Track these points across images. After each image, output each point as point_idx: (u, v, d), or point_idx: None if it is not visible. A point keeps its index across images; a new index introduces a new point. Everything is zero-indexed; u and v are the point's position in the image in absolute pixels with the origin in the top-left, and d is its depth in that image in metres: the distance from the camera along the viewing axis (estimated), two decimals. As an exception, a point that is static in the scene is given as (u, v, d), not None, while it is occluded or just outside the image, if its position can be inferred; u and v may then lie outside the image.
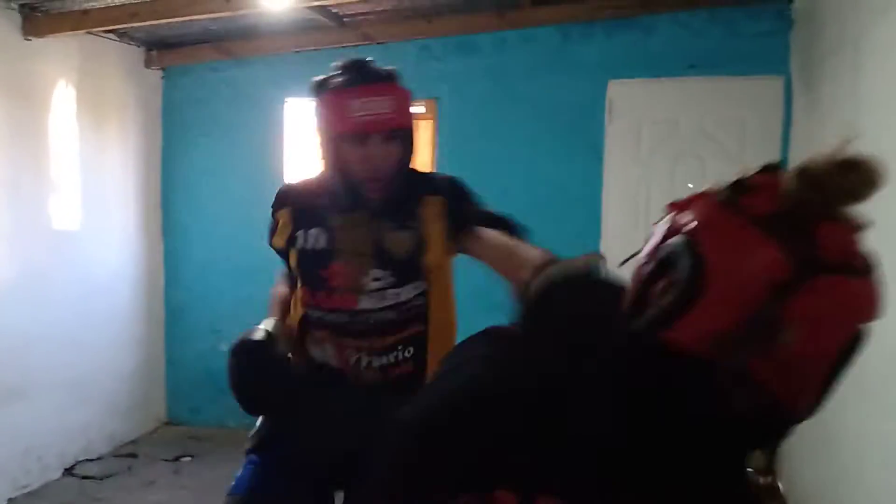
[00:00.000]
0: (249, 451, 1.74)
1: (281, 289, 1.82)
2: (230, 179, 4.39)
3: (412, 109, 1.71)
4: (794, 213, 0.75)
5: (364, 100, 1.57)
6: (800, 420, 0.79)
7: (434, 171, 1.97)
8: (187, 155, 4.48)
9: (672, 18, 3.86)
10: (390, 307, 1.65)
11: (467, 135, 4.15)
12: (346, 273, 1.65)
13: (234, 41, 4.20)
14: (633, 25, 3.90)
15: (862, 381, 2.53)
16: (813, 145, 3.32)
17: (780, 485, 3.65)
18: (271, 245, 1.81)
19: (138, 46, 4.29)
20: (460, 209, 1.69)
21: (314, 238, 1.70)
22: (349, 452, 1.47)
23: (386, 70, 1.66)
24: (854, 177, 0.74)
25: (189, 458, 4.02)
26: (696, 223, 0.78)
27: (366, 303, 1.64)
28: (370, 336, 1.65)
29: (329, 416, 1.65)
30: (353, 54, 4.33)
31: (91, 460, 3.92)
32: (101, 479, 3.70)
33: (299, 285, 1.73)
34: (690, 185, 3.95)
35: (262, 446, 1.72)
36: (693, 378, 0.77)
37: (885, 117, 2.39)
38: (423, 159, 4.23)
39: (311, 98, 1.70)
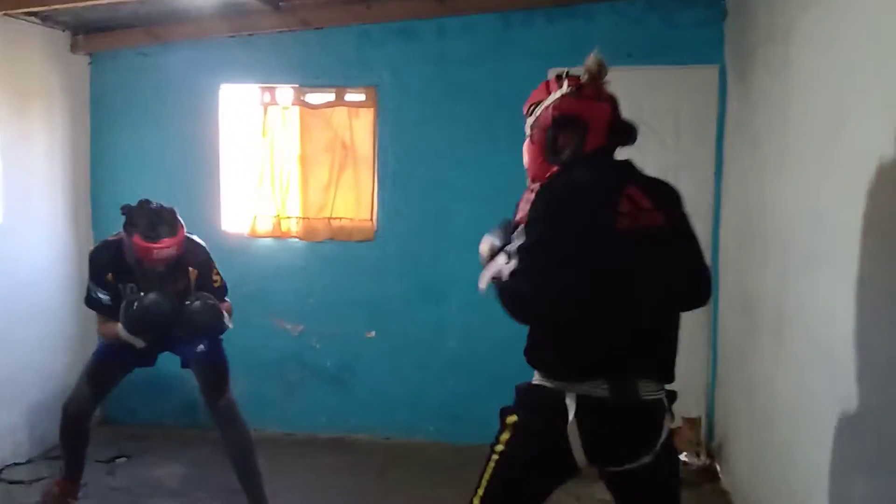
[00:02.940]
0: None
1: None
2: (163, 169, 4.23)
3: (186, 240, 2.96)
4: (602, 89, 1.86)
5: (158, 250, 2.83)
6: None
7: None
8: (118, 144, 4.30)
9: (611, 7, 3.89)
10: None
11: (408, 123, 4.11)
12: None
13: (165, 25, 4.05)
14: (574, 14, 3.91)
15: (788, 360, 2.61)
16: (746, 133, 3.39)
17: (717, 467, 3.75)
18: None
19: (63, 30, 4.09)
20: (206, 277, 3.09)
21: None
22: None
23: (170, 217, 2.90)
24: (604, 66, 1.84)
25: (124, 459, 3.88)
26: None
27: None
28: None
29: None
30: (290, 40, 4.25)
31: (20, 464, 3.75)
32: (31, 483, 3.54)
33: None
34: (630, 173, 4.00)
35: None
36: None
37: (816, 105, 2.45)
38: (364, 149, 4.17)
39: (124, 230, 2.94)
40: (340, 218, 4.22)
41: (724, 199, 3.81)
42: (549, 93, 1.87)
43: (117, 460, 3.86)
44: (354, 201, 4.21)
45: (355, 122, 4.15)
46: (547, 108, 1.84)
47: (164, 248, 2.84)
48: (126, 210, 2.93)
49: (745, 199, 3.37)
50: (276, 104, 4.19)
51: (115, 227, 4.30)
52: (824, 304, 2.28)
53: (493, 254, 1.88)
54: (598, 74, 1.83)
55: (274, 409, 4.29)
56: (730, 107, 3.75)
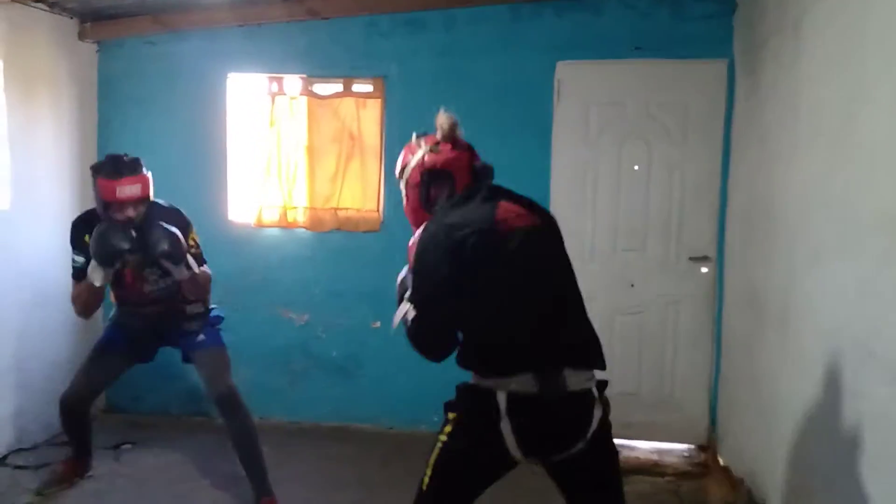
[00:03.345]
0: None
1: None
2: (171, 157, 4.22)
3: (150, 182, 2.98)
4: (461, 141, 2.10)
5: (121, 186, 2.85)
6: None
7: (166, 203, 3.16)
8: (125, 131, 4.30)
9: (620, 0, 3.87)
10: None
11: (415, 114, 4.07)
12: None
13: (173, 13, 4.03)
14: (583, 6, 3.90)
15: (794, 354, 2.61)
16: (754, 127, 3.38)
17: (720, 460, 3.76)
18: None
19: (71, 17, 4.09)
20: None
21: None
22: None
23: (133, 162, 2.92)
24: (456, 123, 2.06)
25: (129, 446, 3.90)
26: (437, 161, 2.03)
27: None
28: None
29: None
30: (298, 30, 4.24)
31: (25, 450, 3.76)
32: (36, 468, 3.55)
33: None
34: (636, 167, 4.00)
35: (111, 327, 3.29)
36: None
37: (827, 97, 2.45)
38: (371, 139, 4.16)
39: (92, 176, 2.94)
40: (347, 208, 4.22)
41: (731, 194, 3.81)
42: (412, 155, 2.07)
43: (123, 447, 3.88)
44: (361, 192, 4.20)
45: (363, 113, 4.15)
46: (414, 168, 2.04)
47: (127, 185, 2.85)
48: (92, 166, 2.99)
49: (753, 193, 3.36)
50: (284, 94, 4.18)
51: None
52: (833, 298, 2.28)
53: (404, 292, 2.00)
54: (450, 130, 2.03)
55: (279, 397, 4.30)
56: (738, 101, 3.74)
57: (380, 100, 4.12)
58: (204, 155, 4.26)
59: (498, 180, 3.97)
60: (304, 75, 4.16)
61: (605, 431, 1.88)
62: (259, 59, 4.19)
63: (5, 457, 3.65)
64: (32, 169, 3.86)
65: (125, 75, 4.30)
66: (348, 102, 4.15)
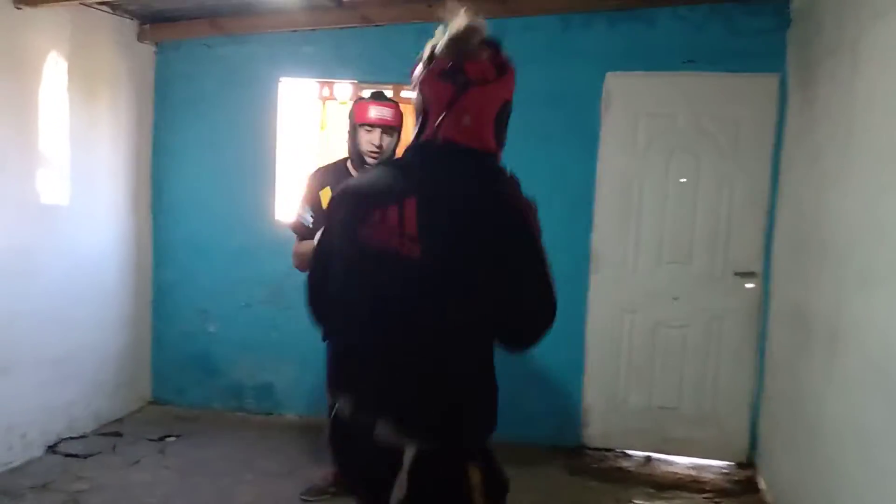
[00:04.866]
0: None
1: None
2: (222, 158, 4.33)
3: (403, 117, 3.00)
4: (455, 63, 1.45)
5: (377, 107, 2.97)
6: None
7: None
8: (179, 131, 4.42)
9: (673, 12, 3.85)
10: None
11: (463, 122, 4.12)
12: None
13: (229, 17, 4.13)
14: (635, 18, 3.89)
15: (840, 376, 2.57)
16: (806, 143, 3.34)
17: (759, 479, 3.71)
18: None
19: (132, 19, 4.21)
20: None
21: None
22: None
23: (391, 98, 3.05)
24: (471, 33, 1.47)
25: (174, 439, 4.00)
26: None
27: None
28: None
29: None
30: (350, 36, 4.29)
31: (75, 438, 3.87)
32: (85, 457, 3.66)
33: None
34: (683, 180, 3.97)
35: None
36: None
37: (883, 118, 2.41)
38: (417, 145, 4.21)
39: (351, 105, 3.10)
40: (391, 213, 4.26)
41: (780, 210, 3.76)
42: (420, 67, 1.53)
43: (167, 439, 3.98)
44: (405, 197, 4.25)
45: (410, 120, 4.18)
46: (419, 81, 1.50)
47: (381, 106, 2.94)
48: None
49: (802, 210, 3.32)
50: (335, 99, 4.26)
51: (176, 212, 4.49)
52: (882, 321, 2.25)
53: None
54: (458, 39, 1.44)
55: (323, 395, 4.36)
56: (790, 116, 3.69)
57: (428, 106, 4.16)
58: (254, 156, 4.35)
59: (545, 188, 4.02)
60: (355, 81, 4.23)
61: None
62: (311, 64, 4.26)
63: (56, 444, 3.76)
64: (91, 166, 3.99)
65: (181, 77, 4.42)
66: (396, 108, 4.20)
